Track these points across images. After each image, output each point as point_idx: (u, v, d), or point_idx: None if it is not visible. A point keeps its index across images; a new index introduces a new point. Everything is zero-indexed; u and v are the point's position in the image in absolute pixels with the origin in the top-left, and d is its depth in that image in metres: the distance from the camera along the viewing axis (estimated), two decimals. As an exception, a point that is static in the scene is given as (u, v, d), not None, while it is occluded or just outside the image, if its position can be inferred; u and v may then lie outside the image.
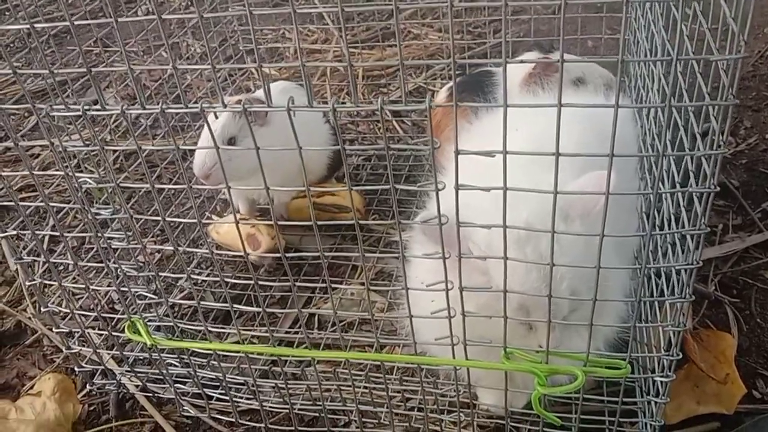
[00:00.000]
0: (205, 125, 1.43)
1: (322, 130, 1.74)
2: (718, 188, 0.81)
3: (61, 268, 1.73)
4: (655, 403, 1.09)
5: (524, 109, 0.82)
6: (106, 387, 1.43)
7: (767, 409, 1.25)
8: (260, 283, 1.06)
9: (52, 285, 1.63)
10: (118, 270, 1.16)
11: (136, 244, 1.11)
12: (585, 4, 2.00)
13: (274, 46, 2.52)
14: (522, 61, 0.75)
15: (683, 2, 0.69)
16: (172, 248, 1.07)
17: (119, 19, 0.81)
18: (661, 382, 1.05)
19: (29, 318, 1.65)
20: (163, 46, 2.08)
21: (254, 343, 1.42)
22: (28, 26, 0.89)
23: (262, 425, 1.30)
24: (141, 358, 1.40)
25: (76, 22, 0.86)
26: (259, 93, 1.77)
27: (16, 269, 1.78)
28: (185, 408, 1.36)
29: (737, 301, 1.47)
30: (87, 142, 1.01)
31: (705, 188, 0.81)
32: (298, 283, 1.23)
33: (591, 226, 0.93)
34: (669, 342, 1.01)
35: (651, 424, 1.13)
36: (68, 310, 1.28)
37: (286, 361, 1.39)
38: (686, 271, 0.92)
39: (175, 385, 1.33)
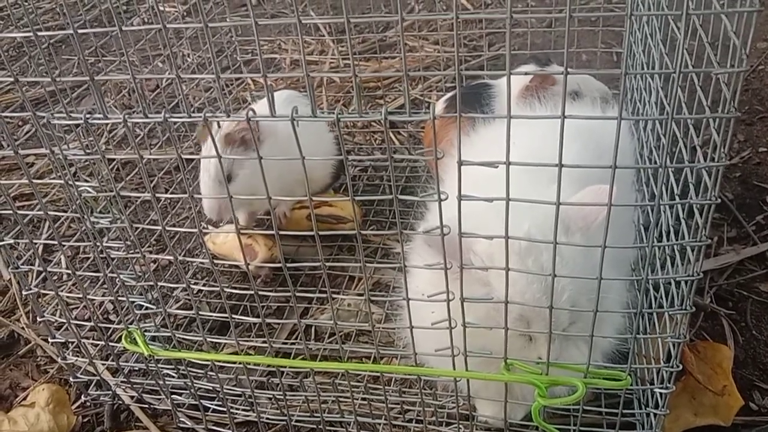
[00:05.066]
0: (201, 174, 1.52)
1: (326, 139, 1.75)
2: (719, 200, 0.82)
3: (56, 277, 1.72)
4: (655, 414, 1.09)
5: (521, 123, 0.82)
6: (101, 398, 1.41)
7: (764, 421, 1.25)
8: (259, 293, 1.05)
9: (46, 295, 1.62)
10: (116, 279, 1.16)
11: (134, 253, 1.11)
12: (580, 19, 2.02)
13: (270, 57, 2.53)
14: (526, 73, 0.76)
15: (685, 17, 0.69)
16: (168, 258, 1.06)
17: (123, 28, 0.82)
18: (661, 393, 1.05)
19: (22, 328, 1.63)
20: (159, 56, 2.08)
21: (251, 354, 1.41)
22: (30, 34, 0.89)
23: (259, 437, 1.30)
24: (136, 368, 1.39)
25: (79, 31, 0.86)
26: (258, 107, 1.77)
27: (9, 279, 1.77)
28: (181, 420, 1.35)
29: (733, 313, 1.48)
30: (87, 151, 1.00)
31: (706, 200, 0.82)
32: (296, 294, 1.23)
33: (591, 239, 0.93)
34: (668, 353, 1.01)
35: (649, 436, 1.13)
36: (64, 320, 1.27)
37: (284, 372, 1.39)
38: (686, 282, 0.92)
39: (172, 396, 1.32)
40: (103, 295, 1.51)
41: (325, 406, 1.28)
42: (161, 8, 2.61)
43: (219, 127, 1.45)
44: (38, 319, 1.28)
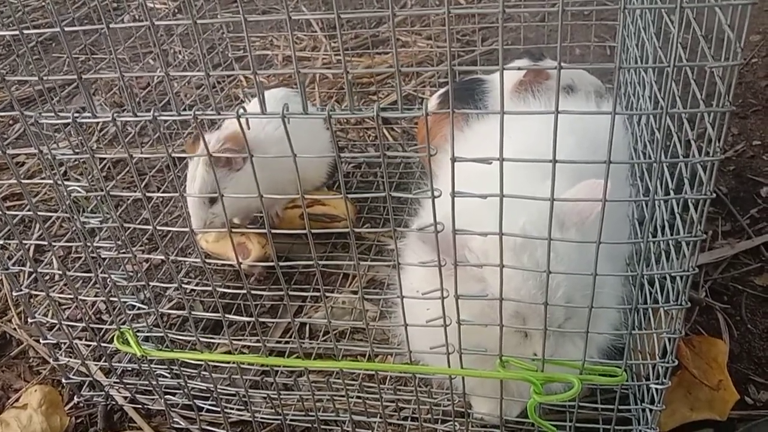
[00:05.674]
0: (188, 188, 1.51)
1: (322, 138, 1.73)
2: (714, 194, 0.81)
3: (47, 278, 1.70)
4: (650, 410, 1.09)
5: (515, 118, 0.81)
6: (94, 399, 1.40)
7: (760, 415, 1.25)
8: (252, 292, 1.04)
9: (38, 295, 1.61)
10: (107, 280, 1.15)
11: (125, 253, 1.10)
12: (573, 13, 2.01)
13: (262, 53, 2.51)
14: (519, 68, 0.75)
15: (679, 10, 0.68)
16: (160, 257, 1.05)
17: (111, 25, 0.80)
18: (656, 389, 1.05)
19: (14, 329, 1.62)
20: (150, 53, 2.06)
21: (245, 353, 1.40)
22: (17, 32, 0.88)
23: (254, 436, 1.29)
24: (129, 369, 1.38)
25: (66, 29, 0.85)
26: (251, 106, 1.75)
27: (0, 280, 1.75)
28: (175, 420, 1.34)
29: (728, 307, 1.48)
30: (76, 150, 0.99)
31: (701, 195, 0.81)
32: (289, 292, 1.23)
33: (586, 234, 0.93)
34: (664, 349, 1.01)
35: (645, 431, 1.12)
36: (56, 321, 1.26)
37: (278, 371, 1.38)
38: (681, 277, 0.92)
39: (165, 396, 1.31)
40: (95, 296, 1.50)
41: (319, 405, 1.27)
42: (151, 5, 2.59)
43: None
44: (30, 320, 1.26)
